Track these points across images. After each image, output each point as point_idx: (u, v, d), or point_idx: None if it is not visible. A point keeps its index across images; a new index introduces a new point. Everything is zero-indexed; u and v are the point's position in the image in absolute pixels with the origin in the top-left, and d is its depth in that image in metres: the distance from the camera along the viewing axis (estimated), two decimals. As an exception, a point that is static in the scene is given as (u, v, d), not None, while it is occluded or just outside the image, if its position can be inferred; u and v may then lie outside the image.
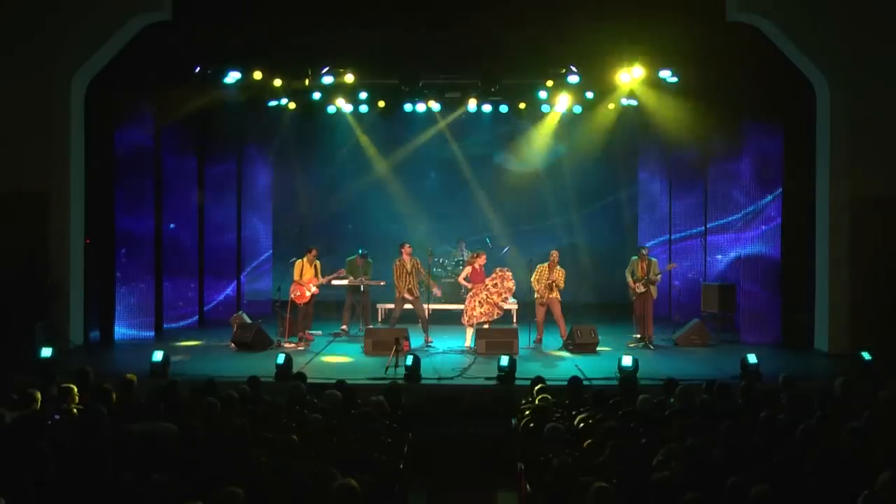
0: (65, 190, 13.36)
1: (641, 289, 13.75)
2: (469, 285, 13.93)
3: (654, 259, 14.09)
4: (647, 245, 14.76)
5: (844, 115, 13.29)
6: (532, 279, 13.97)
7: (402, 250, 14.08)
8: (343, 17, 13.28)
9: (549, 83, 15.43)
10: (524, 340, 13.42)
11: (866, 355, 11.57)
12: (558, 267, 13.85)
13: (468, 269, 13.92)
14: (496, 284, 13.59)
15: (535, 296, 13.92)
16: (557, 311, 13.87)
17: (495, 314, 13.69)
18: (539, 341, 13.86)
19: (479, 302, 13.57)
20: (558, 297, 13.87)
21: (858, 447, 6.34)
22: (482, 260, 13.91)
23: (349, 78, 15.18)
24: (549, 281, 13.74)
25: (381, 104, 16.41)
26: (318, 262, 14.22)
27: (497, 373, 11.05)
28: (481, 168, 18.49)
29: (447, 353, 13.27)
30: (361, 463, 6.35)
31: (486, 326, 13.60)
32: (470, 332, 13.64)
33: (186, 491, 5.29)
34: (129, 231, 14.38)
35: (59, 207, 13.31)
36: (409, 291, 13.96)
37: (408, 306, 14.23)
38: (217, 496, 5.05)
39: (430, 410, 10.26)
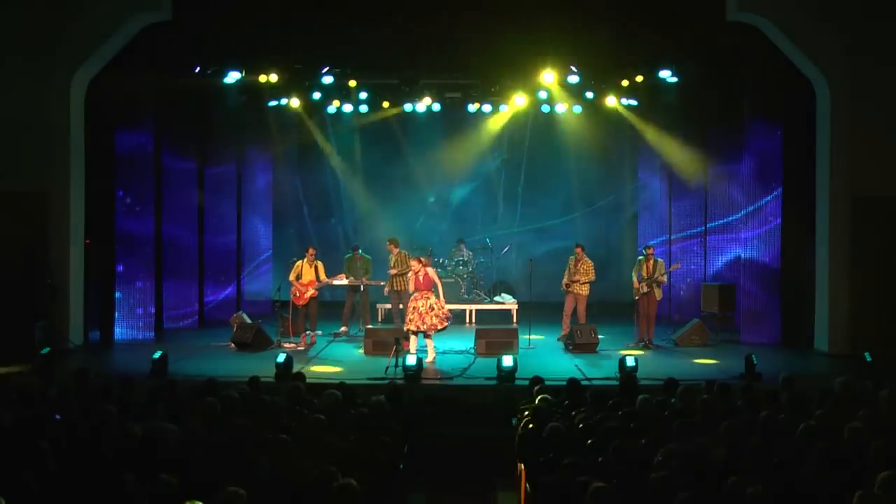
0: (65, 190, 13.33)
1: (645, 289, 13.67)
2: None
3: (660, 259, 13.97)
4: (651, 244, 14.65)
5: (844, 114, 13.29)
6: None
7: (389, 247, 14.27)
8: (343, 17, 13.27)
9: (549, 83, 15.43)
10: (524, 340, 13.41)
11: (866, 355, 11.56)
12: (586, 258, 13.90)
13: (414, 277, 12.53)
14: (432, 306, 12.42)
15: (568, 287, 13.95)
16: (582, 306, 13.97)
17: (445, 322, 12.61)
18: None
19: (430, 307, 12.34)
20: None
21: (858, 447, 6.33)
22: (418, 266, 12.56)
23: (349, 78, 15.18)
24: (578, 278, 13.81)
25: (382, 104, 16.41)
26: (319, 263, 14.18)
27: (497, 373, 11.06)
28: (480, 168, 18.48)
29: (447, 353, 13.24)
30: (361, 463, 6.35)
31: (424, 336, 12.58)
32: (431, 343, 12.62)
33: (186, 491, 5.29)
34: (129, 231, 14.35)
35: (59, 207, 13.29)
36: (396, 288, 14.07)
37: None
38: (217, 496, 5.05)
39: (430, 410, 10.26)
